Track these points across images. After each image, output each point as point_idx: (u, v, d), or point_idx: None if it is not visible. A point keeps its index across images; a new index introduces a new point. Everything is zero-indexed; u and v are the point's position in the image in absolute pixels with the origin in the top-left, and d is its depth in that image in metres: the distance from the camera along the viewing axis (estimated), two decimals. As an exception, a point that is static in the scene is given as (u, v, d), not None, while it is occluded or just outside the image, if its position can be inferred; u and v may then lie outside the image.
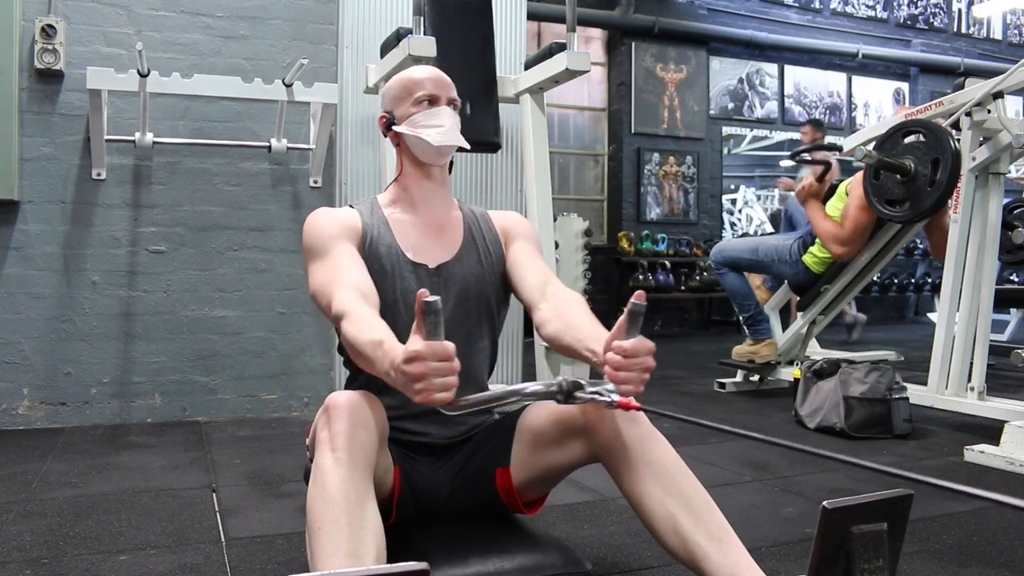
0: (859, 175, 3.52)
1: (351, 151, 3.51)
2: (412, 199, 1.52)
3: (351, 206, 1.52)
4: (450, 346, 1.04)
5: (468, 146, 1.51)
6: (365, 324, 1.21)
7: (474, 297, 1.49)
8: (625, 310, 1.12)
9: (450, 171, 1.58)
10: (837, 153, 3.76)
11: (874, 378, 3.05)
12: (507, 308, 1.58)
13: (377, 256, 1.44)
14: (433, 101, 1.49)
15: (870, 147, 3.29)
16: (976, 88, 3.13)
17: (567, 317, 1.36)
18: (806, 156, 4.00)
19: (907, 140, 3.21)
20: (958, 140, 3.11)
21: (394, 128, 1.51)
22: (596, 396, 1.13)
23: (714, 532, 1.24)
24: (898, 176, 3.21)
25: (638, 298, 1.11)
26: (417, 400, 1.05)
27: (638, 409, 1.14)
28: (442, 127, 1.47)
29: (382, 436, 1.27)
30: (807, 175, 3.81)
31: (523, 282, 1.49)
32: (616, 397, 1.12)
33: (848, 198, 3.61)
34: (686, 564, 1.25)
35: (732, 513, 2.00)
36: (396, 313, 1.40)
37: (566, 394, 1.15)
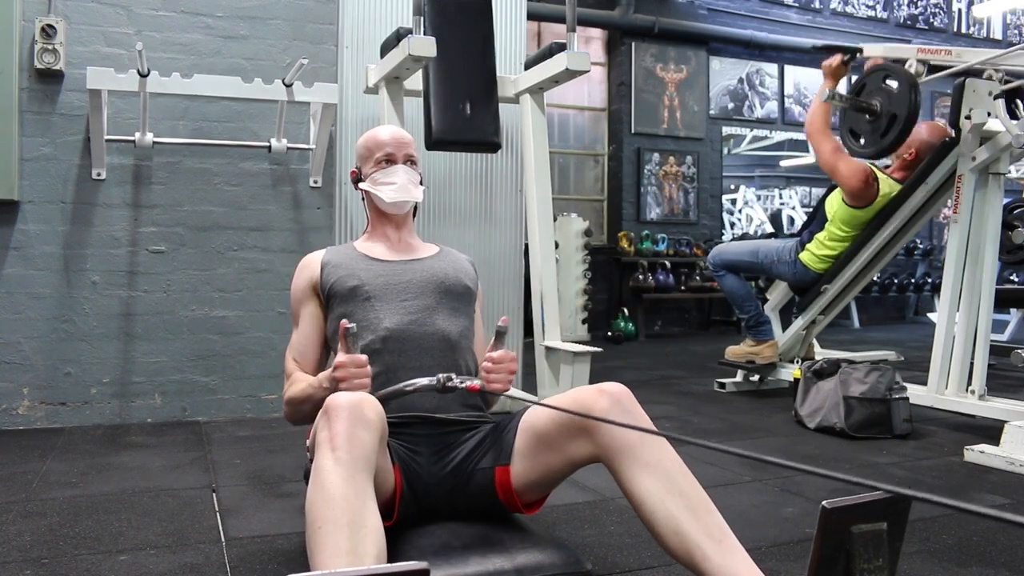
0: None
1: (351, 151, 3.51)
2: (384, 235, 1.77)
3: (328, 247, 1.81)
4: (363, 358, 1.43)
5: (420, 199, 1.78)
6: (297, 381, 1.63)
7: (453, 283, 1.71)
8: (495, 331, 1.53)
9: (414, 215, 1.84)
10: (859, 54, 3.82)
11: (874, 378, 3.05)
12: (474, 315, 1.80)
13: (335, 269, 1.68)
14: (390, 160, 1.74)
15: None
16: (980, 52, 3.27)
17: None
18: (833, 44, 4.07)
19: (883, 83, 3.43)
20: (919, 76, 3.35)
21: (359, 185, 1.78)
22: (459, 384, 1.47)
23: (714, 533, 1.24)
24: (867, 116, 3.49)
25: (503, 322, 1.52)
26: (342, 388, 1.39)
27: (476, 389, 1.48)
28: (395, 184, 1.72)
29: (382, 436, 1.27)
30: (836, 56, 3.80)
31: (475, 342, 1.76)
32: (468, 383, 1.48)
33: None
34: (686, 565, 1.26)
35: (732, 513, 2.00)
36: (358, 295, 1.64)
37: (442, 385, 1.47)
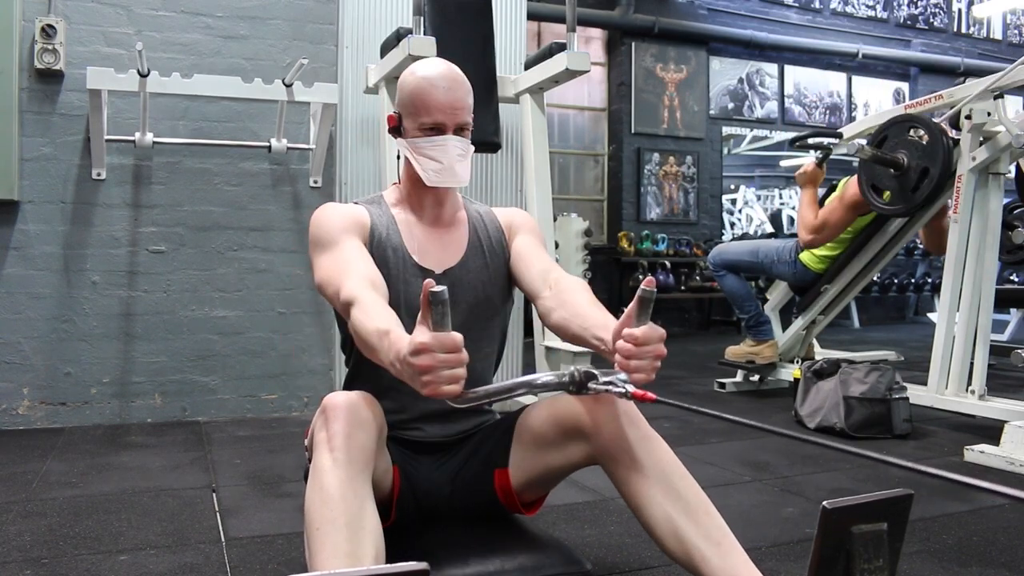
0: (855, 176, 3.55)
1: (351, 151, 3.51)
2: (417, 202, 1.49)
3: (356, 203, 1.49)
4: (458, 337, 1.01)
5: (467, 182, 1.45)
6: (374, 312, 1.18)
7: (481, 301, 1.47)
8: (636, 296, 1.09)
9: None
10: (837, 140, 3.78)
11: (874, 378, 3.05)
12: (511, 305, 1.57)
13: (384, 257, 1.41)
14: (438, 130, 1.41)
15: (865, 141, 3.39)
16: (974, 84, 3.16)
17: (572, 305, 1.33)
18: (808, 141, 4.04)
19: (906, 135, 3.28)
20: (955, 139, 3.14)
21: (399, 140, 1.47)
22: (610, 387, 1.10)
23: (713, 535, 1.23)
24: (891, 170, 3.30)
25: (648, 284, 1.08)
26: (424, 392, 1.03)
27: (654, 400, 1.10)
28: (440, 164, 1.41)
29: (380, 436, 1.27)
30: (808, 161, 3.85)
31: (525, 273, 1.47)
32: (631, 388, 1.09)
33: (838, 192, 3.66)
34: (685, 566, 1.25)
35: (732, 513, 2.00)
36: (399, 318, 1.33)
37: (578, 385, 1.13)
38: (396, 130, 1.47)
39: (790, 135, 8.26)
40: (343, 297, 1.25)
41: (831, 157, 3.90)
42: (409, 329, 1.09)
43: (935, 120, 3.28)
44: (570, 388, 1.14)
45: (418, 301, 1.24)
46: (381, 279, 1.32)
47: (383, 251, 1.42)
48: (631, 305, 1.11)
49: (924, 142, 3.21)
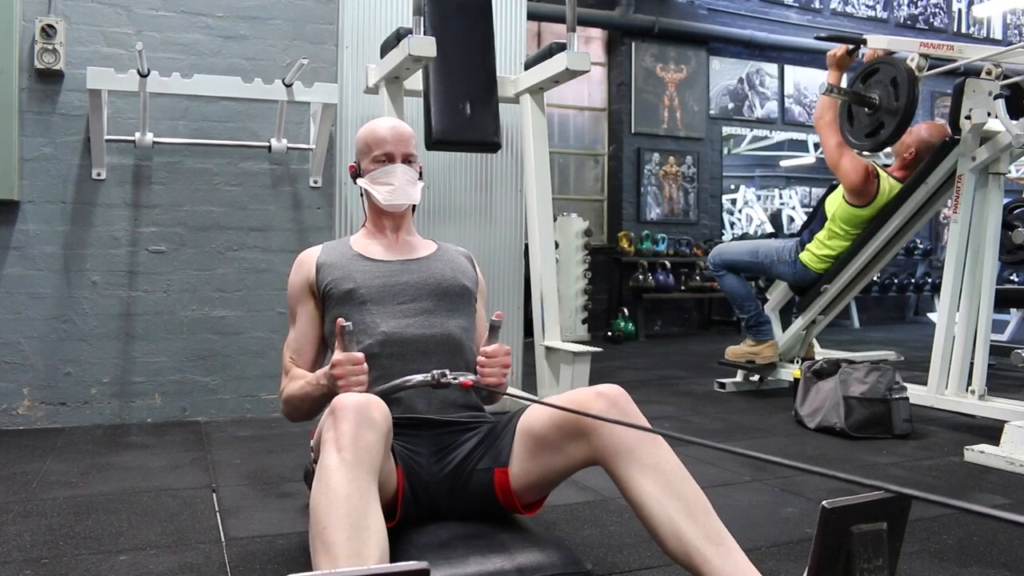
0: None
1: (351, 151, 3.51)
2: (379, 231, 1.75)
3: (324, 244, 1.78)
4: (360, 355, 1.45)
5: (417, 201, 1.74)
6: (298, 377, 1.63)
7: (452, 284, 1.69)
8: (489, 325, 1.56)
9: (413, 212, 1.81)
10: (864, 45, 3.78)
11: (874, 378, 3.05)
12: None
13: (330, 270, 1.67)
14: (388, 159, 1.69)
15: (839, 85, 3.65)
16: (981, 48, 3.28)
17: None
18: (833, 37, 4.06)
19: (890, 77, 3.38)
20: (920, 71, 3.32)
21: (357, 181, 1.75)
22: (452, 380, 1.49)
23: (712, 535, 1.24)
24: (866, 109, 3.46)
25: (498, 316, 1.53)
26: (340, 388, 1.42)
27: (470, 385, 1.49)
28: (392, 186, 1.69)
29: (387, 438, 1.27)
30: (841, 46, 3.82)
31: (476, 338, 1.76)
32: (461, 379, 1.49)
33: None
34: (685, 566, 1.26)
35: (732, 513, 2.01)
36: (354, 298, 1.62)
37: (437, 381, 1.49)
38: (355, 176, 1.76)
39: (790, 135, 8.32)
40: (283, 368, 1.72)
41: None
42: (365, 311, 1.61)
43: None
44: (431, 383, 1.50)
45: (377, 280, 1.65)
46: (310, 350, 1.72)
47: (329, 268, 1.68)
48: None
49: (895, 84, 3.33)
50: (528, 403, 1.50)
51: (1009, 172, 3.26)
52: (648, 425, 1.34)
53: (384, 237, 1.74)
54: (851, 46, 3.77)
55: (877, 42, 3.66)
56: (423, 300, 1.63)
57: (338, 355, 1.44)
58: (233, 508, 2.13)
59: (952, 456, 2.76)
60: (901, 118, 3.28)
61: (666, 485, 1.28)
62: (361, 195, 1.77)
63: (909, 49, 3.42)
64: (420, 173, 1.74)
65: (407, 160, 1.71)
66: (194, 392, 3.33)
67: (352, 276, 1.65)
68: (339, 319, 1.45)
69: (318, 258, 1.71)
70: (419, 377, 1.51)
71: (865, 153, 3.85)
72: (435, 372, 1.50)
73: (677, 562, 1.27)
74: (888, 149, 3.73)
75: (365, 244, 1.74)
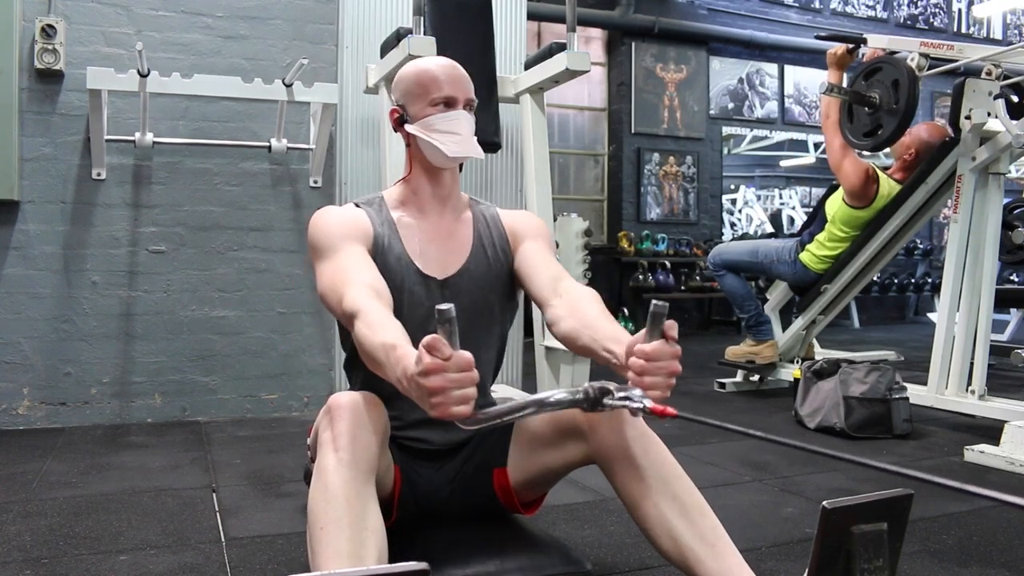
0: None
1: (351, 151, 3.51)
2: (421, 202, 1.46)
3: (356, 204, 1.46)
4: (469, 356, 0.98)
5: (482, 156, 1.44)
6: (379, 325, 1.14)
7: (482, 308, 1.44)
8: (649, 312, 1.08)
9: (460, 169, 1.53)
10: (863, 45, 3.78)
11: (874, 378, 3.05)
12: (514, 311, 1.54)
13: (386, 265, 1.38)
14: (450, 104, 1.41)
15: (840, 84, 3.66)
16: (980, 48, 3.26)
17: (582, 315, 1.29)
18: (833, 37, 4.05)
19: (892, 78, 3.38)
20: (916, 68, 3.31)
21: (407, 127, 1.43)
22: (627, 403, 1.07)
23: (707, 536, 1.23)
24: (866, 109, 3.45)
25: (659, 305, 1.07)
26: (434, 414, 0.99)
27: (675, 416, 1.05)
28: (459, 136, 1.40)
29: (384, 437, 1.27)
30: (841, 45, 3.82)
31: (533, 280, 1.43)
32: (648, 403, 1.05)
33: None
34: (679, 567, 1.26)
35: (732, 513, 2.00)
36: (399, 316, 1.30)
37: (592, 402, 1.09)
38: (400, 123, 1.45)
39: (790, 135, 8.32)
40: (346, 308, 1.21)
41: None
42: (414, 341, 1.06)
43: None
44: (584, 405, 1.10)
45: (420, 310, 1.34)
46: (386, 288, 1.28)
47: (385, 258, 1.39)
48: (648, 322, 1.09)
49: (896, 84, 3.32)
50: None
51: (1009, 172, 3.26)
52: (646, 426, 1.34)
53: (425, 215, 1.46)
54: (851, 45, 3.77)
55: (877, 41, 3.66)
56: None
57: (429, 357, 0.97)
58: (233, 508, 2.13)
59: (952, 456, 2.76)
60: (901, 118, 3.28)
61: (661, 485, 1.27)
62: (407, 144, 1.46)
63: (909, 48, 3.42)
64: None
65: (469, 106, 1.44)
66: (194, 392, 3.33)
67: (400, 293, 1.37)
68: (439, 306, 0.98)
69: (373, 228, 1.41)
70: (562, 393, 1.11)
71: (865, 153, 3.85)
72: (590, 387, 1.10)
73: (672, 563, 1.27)
74: (888, 149, 3.73)
75: (408, 229, 1.44)
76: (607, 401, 1.08)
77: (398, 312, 1.29)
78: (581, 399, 1.09)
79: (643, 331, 1.09)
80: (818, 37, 4.05)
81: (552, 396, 1.10)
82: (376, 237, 1.40)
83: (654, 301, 1.08)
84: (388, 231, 1.42)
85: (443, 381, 0.97)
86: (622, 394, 1.07)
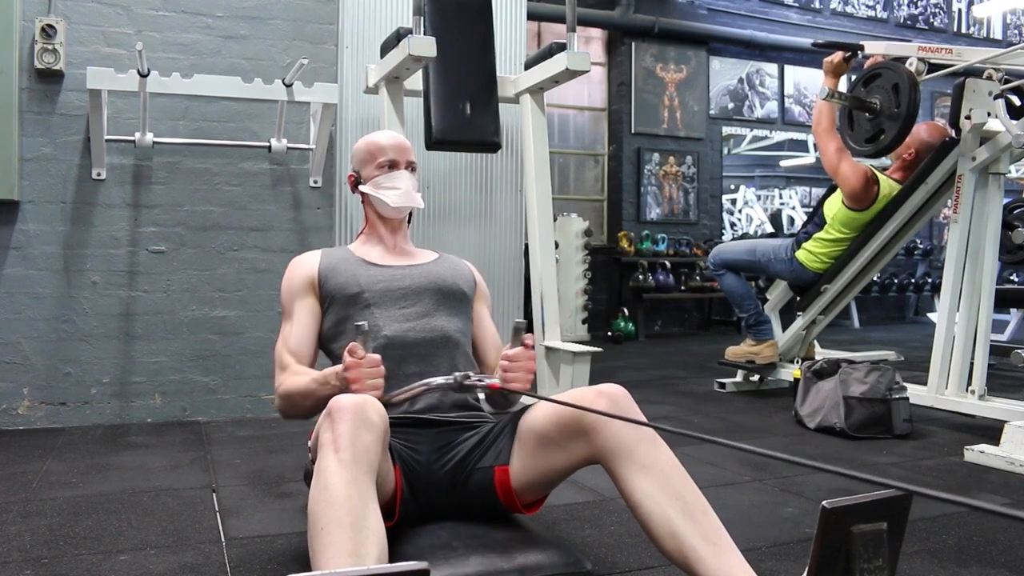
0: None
1: (351, 151, 3.50)
2: (381, 239, 1.78)
3: (324, 249, 1.79)
4: (376, 358, 1.41)
5: (422, 206, 1.81)
6: (301, 372, 1.58)
7: (452, 288, 1.71)
8: (512, 328, 1.50)
9: (409, 221, 1.85)
10: (860, 53, 3.77)
11: (874, 378, 3.05)
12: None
13: (334, 274, 1.68)
14: (393, 166, 1.75)
15: (839, 90, 3.62)
16: (980, 51, 3.23)
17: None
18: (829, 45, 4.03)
19: (892, 83, 3.35)
20: (919, 75, 3.29)
21: (360, 187, 1.78)
22: (477, 383, 1.49)
23: (709, 536, 1.24)
24: (867, 115, 3.42)
25: (521, 320, 1.51)
26: (354, 390, 1.37)
27: (496, 388, 1.48)
28: (399, 190, 1.73)
29: (384, 438, 1.28)
30: (837, 53, 3.80)
31: (482, 342, 1.79)
32: (488, 381, 1.49)
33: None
34: (680, 566, 1.26)
35: (732, 513, 2.01)
36: (359, 302, 1.64)
37: (459, 383, 1.48)
38: (355, 185, 1.80)
39: (790, 135, 8.33)
40: (279, 365, 1.64)
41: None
42: (371, 307, 1.63)
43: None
44: (454, 387, 1.50)
45: (380, 283, 1.66)
46: (308, 346, 1.68)
47: (332, 271, 1.68)
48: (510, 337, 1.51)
49: (896, 89, 3.30)
50: (528, 403, 1.50)
51: (1009, 172, 3.26)
52: (650, 427, 1.34)
53: (383, 244, 1.77)
54: (848, 53, 3.76)
55: (874, 48, 3.66)
56: (424, 302, 1.66)
57: (350, 358, 1.39)
58: (233, 508, 2.13)
59: (952, 456, 2.76)
60: (902, 123, 3.27)
61: (664, 485, 1.28)
62: (363, 202, 1.80)
63: (907, 53, 3.41)
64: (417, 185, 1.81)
65: (410, 167, 1.77)
66: (194, 392, 3.33)
67: (357, 280, 1.66)
68: (357, 323, 1.43)
69: (320, 263, 1.71)
70: (440, 379, 1.49)
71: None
72: (458, 375, 1.48)
73: (673, 562, 1.27)
74: None
75: (366, 250, 1.77)
76: (467, 383, 1.48)
77: (354, 292, 1.65)
78: (452, 382, 1.49)
79: (509, 343, 1.52)
80: (815, 45, 4.02)
81: (434, 381, 1.50)
82: (321, 267, 1.70)
83: (515, 319, 1.54)
84: (340, 256, 1.73)
85: (359, 374, 1.39)
86: (476, 378, 1.49)
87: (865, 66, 3.58)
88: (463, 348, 1.67)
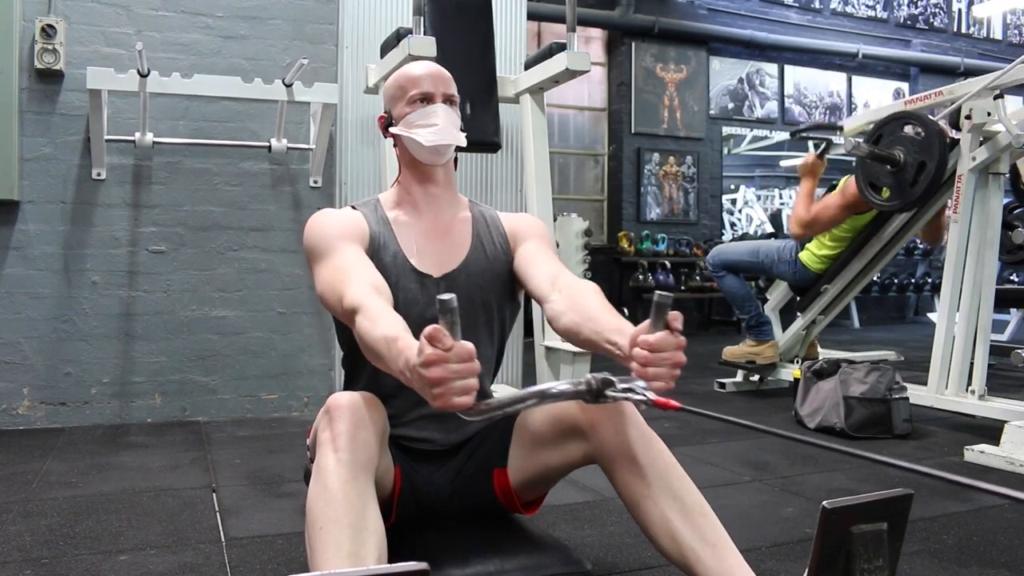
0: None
1: (351, 151, 3.51)
2: (415, 201, 1.47)
3: (352, 207, 1.48)
4: (470, 346, 0.97)
5: (464, 143, 1.47)
6: (380, 319, 1.14)
7: (480, 306, 1.45)
8: (653, 303, 1.06)
9: (456, 166, 1.54)
10: (838, 133, 3.78)
11: (874, 378, 3.05)
12: (516, 312, 1.54)
13: (382, 265, 1.38)
14: (428, 99, 1.45)
15: (861, 139, 3.37)
16: (974, 82, 3.15)
17: (583, 309, 1.27)
18: (808, 134, 4.05)
19: (902, 132, 3.26)
20: (953, 137, 3.16)
21: (391, 129, 1.48)
22: (629, 394, 1.06)
23: (708, 536, 1.23)
24: (888, 167, 3.28)
25: (663, 296, 1.05)
26: (436, 405, 0.98)
27: (678, 408, 1.04)
28: (435, 126, 1.43)
29: (383, 437, 1.27)
30: (810, 153, 3.84)
31: (532, 276, 1.42)
32: (651, 395, 1.04)
33: (839, 188, 3.66)
34: (680, 567, 1.26)
35: (732, 513, 2.00)
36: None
37: (595, 393, 1.07)
38: (387, 127, 1.50)
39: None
40: (346, 304, 1.21)
41: (832, 156, 3.90)
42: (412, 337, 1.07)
43: (933, 118, 3.27)
44: (587, 397, 1.07)
45: (416, 308, 1.35)
46: (385, 284, 1.29)
47: (381, 259, 1.40)
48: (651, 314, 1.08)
49: (920, 137, 3.19)
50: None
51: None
52: (646, 426, 1.34)
53: (421, 215, 1.47)
54: (819, 150, 3.77)
55: (853, 122, 3.63)
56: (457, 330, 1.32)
57: (430, 348, 0.96)
58: (233, 508, 2.13)
59: (952, 456, 2.76)
60: (935, 171, 3.11)
61: (662, 484, 1.27)
62: (395, 146, 1.51)
63: (894, 111, 3.37)
64: (462, 123, 1.49)
65: (449, 101, 1.48)
66: (194, 392, 3.33)
67: (395, 291, 1.36)
68: (442, 296, 0.98)
69: (369, 228, 1.42)
70: (564, 385, 1.08)
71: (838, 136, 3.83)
72: (593, 378, 1.07)
73: (672, 562, 1.27)
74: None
75: (404, 228, 1.45)
76: (609, 392, 1.06)
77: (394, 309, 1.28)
78: (584, 390, 1.07)
79: (647, 322, 1.07)
80: (793, 135, 4.01)
81: (555, 387, 1.08)
82: (372, 236, 1.41)
83: (657, 292, 1.06)
84: (383, 230, 1.44)
85: (444, 372, 0.96)
86: (624, 385, 1.06)
87: (848, 150, 3.34)
88: (487, 375, 1.47)
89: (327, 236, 1.36)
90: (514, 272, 1.49)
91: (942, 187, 3.49)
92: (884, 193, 3.34)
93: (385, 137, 1.52)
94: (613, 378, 1.07)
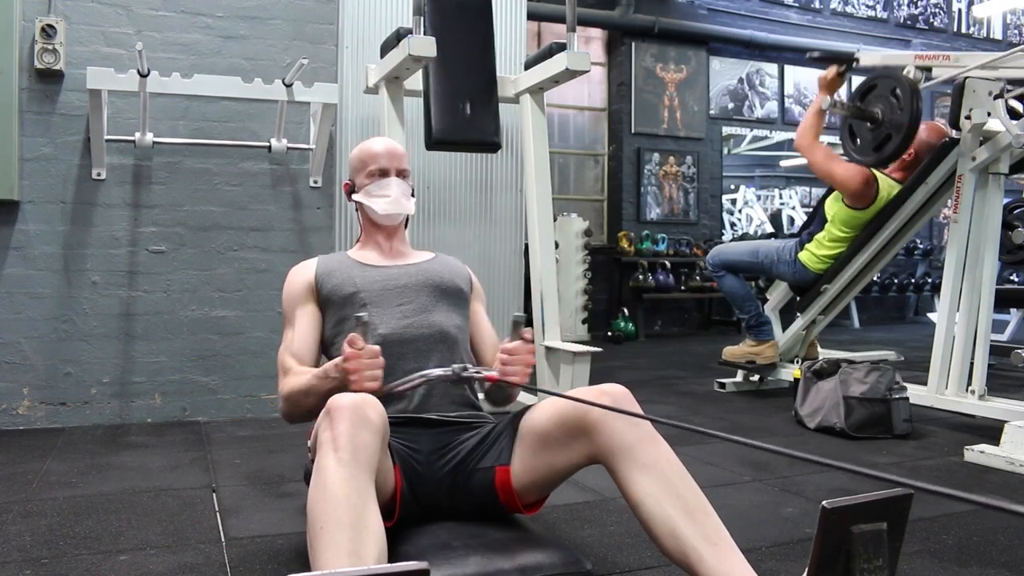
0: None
1: (351, 151, 3.51)
2: (378, 246, 1.80)
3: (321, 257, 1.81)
4: (376, 349, 1.41)
5: (412, 212, 1.83)
6: (302, 373, 1.56)
7: (449, 286, 1.73)
8: (511, 322, 1.51)
9: (406, 225, 1.89)
10: (855, 64, 3.76)
11: (874, 378, 3.05)
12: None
13: (330, 277, 1.71)
14: (384, 173, 1.77)
15: (843, 97, 3.62)
16: (979, 56, 3.22)
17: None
18: (824, 57, 4.00)
19: (890, 92, 3.35)
20: (917, 83, 3.32)
21: (353, 196, 1.81)
22: (475, 375, 1.52)
23: (710, 535, 1.24)
24: (868, 124, 3.42)
25: (519, 311, 1.42)
26: (353, 388, 1.37)
27: (495, 380, 1.49)
28: (388, 197, 1.75)
29: (384, 437, 1.27)
30: (832, 68, 3.77)
31: (482, 340, 1.80)
32: (485, 373, 1.52)
33: (853, 164, 3.66)
34: (681, 566, 1.26)
35: (732, 513, 2.00)
36: (355, 301, 1.67)
37: (457, 376, 1.51)
38: (350, 193, 1.83)
39: (790, 135, 8.31)
40: (281, 369, 1.66)
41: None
42: (380, 306, 1.64)
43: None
44: (452, 378, 1.52)
45: (370, 284, 1.69)
46: (310, 350, 1.69)
47: (328, 275, 1.72)
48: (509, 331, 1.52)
49: (899, 103, 3.29)
50: (528, 405, 1.50)
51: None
52: (651, 426, 1.34)
53: (379, 248, 1.80)
54: (842, 68, 3.74)
55: (870, 58, 3.65)
56: (421, 298, 1.66)
57: (350, 349, 1.38)
58: (233, 508, 2.13)
59: (952, 456, 2.76)
60: (906, 131, 3.26)
61: (665, 484, 1.28)
62: (356, 210, 1.84)
63: (903, 62, 3.40)
64: (412, 191, 1.83)
65: (401, 174, 1.79)
66: (194, 392, 3.33)
67: (353, 279, 1.70)
68: (357, 314, 1.43)
69: (317, 268, 1.75)
70: (438, 371, 1.50)
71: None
72: (456, 366, 1.50)
73: (673, 561, 1.27)
74: None
75: (362, 254, 1.80)
76: (465, 375, 1.51)
77: (350, 292, 1.68)
78: (451, 374, 1.51)
79: (508, 336, 1.53)
80: (810, 58, 3.99)
81: (432, 373, 1.51)
82: (317, 276, 1.73)
83: (515, 313, 1.53)
84: (337, 260, 1.76)
85: (358, 364, 1.38)
86: (475, 369, 1.53)
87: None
88: (461, 344, 1.68)
89: (286, 306, 1.76)
90: (470, 305, 1.81)
91: (942, 187, 3.50)
92: (858, 144, 3.52)
93: (348, 201, 1.85)
94: (468, 366, 1.53)
